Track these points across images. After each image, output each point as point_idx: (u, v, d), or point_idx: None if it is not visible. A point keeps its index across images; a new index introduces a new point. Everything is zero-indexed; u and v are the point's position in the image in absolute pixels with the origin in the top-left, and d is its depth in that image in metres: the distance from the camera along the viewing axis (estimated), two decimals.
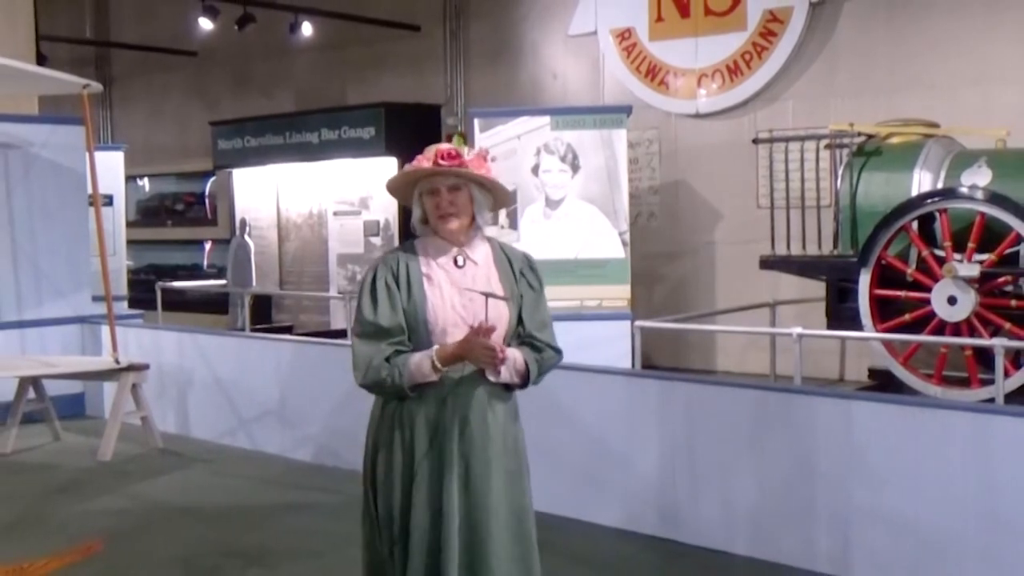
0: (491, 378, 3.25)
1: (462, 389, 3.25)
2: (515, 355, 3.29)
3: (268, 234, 14.09)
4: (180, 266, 16.01)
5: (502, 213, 9.25)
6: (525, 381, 3.33)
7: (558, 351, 3.41)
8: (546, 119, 9.58)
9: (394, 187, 3.41)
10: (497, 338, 3.20)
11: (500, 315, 3.26)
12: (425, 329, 3.25)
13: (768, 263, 8.74)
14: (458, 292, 3.28)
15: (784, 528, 5.32)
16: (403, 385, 3.20)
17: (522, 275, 3.40)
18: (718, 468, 5.59)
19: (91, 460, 7.84)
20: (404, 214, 12.17)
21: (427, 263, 3.32)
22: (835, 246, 8.39)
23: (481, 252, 3.38)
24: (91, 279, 9.44)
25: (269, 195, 14.14)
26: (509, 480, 3.30)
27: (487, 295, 3.21)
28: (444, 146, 3.30)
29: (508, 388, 3.35)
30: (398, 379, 3.19)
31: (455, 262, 3.32)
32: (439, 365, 3.19)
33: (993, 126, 8.20)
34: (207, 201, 15.90)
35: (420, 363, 3.20)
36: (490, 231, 9.38)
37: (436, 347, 3.21)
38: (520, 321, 3.36)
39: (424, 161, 3.28)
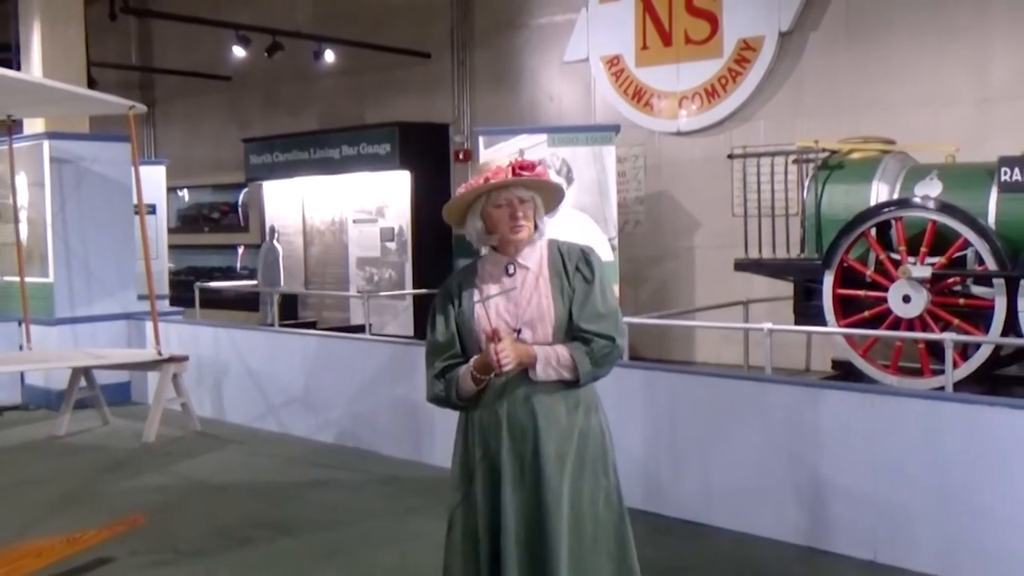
0: (532, 378, 2.99)
1: (508, 391, 3.00)
2: (557, 350, 3.00)
3: (295, 239, 14.10)
4: (216, 268, 16.00)
5: None
6: (577, 375, 3.00)
7: (610, 338, 3.02)
8: (543, 136, 9.59)
9: (463, 203, 3.10)
10: (543, 335, 3.01)
11: (543, 314, 3.03)
12: (473, 338, 3.04)
13: (742, 265, 8.73)
14: (505, 298, 3.05)
15: (757, 503, 5.31)
16: (453, 398, 3.04)
17: (576, 270, 3.10)
18: (697, 449, 5.58)
19: (136, 442, 7.84)
20: (416, 221, 12.33)
21: (481, 277, 3.12)
22: (802, 250, 8.38)
23: (535, 257, 3.12)
24: (136, 280, 9.43)
25: (295, 205, 14.14)
26: (573, 474, 3.00)
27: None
28: (517, 159, 3.11)
29: (567, 384, 3.02)
30: (449, 393, 3.04)
31: (506, 270, 3.10)
32: (476, 374, 2.98)
33: (943, 143, 8.20)
34: (240, 210, 15.89)
35: (464, 375, 3.01)
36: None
37: (475, 357, 3.01)
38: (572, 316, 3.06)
39: (504, 174, 3.05)
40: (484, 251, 3.22)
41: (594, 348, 3.01)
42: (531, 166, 3.07)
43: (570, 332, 3.04)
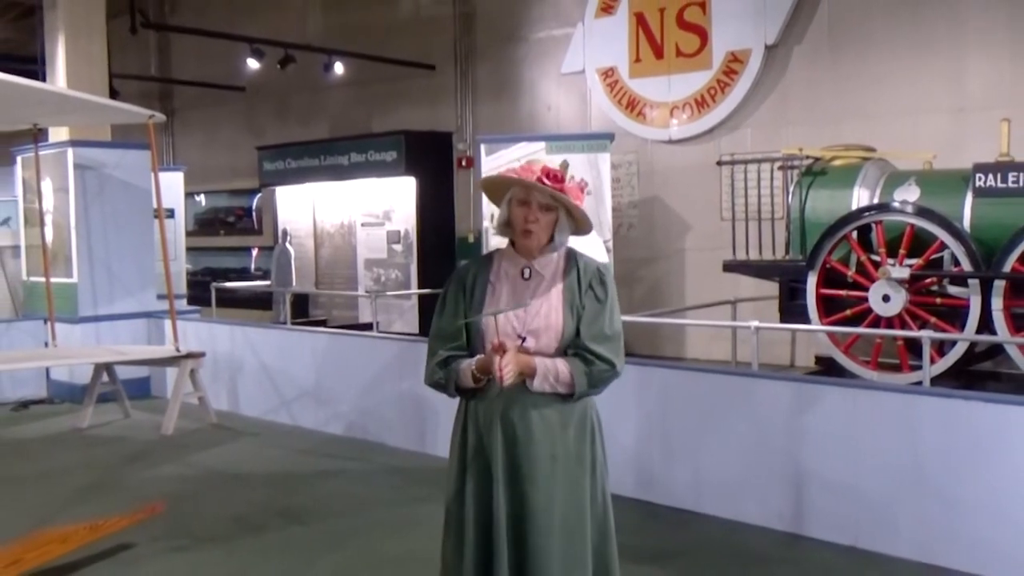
0: (528, 387, 2.89)
1: (507, 394, 2.88)
2: (557, 366, 2.89)
3: (306, 242, 14.11)
4: (231, 269, 16.01)
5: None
6: (573, 391, 2.91)
7: (612, 364, 2.93)
8: (541, 144, 9.58)
9: (491, 184, 3.03)
10: (547, 345, 2.90)
11: (549, 325, 2.92)
12: (480, 336, 2.94)
13: (730, 266, 8.73)
14: (516, 303, 2.93)
15: (744, 491, 5.31)
16: (452, 390, 2.96)
17: (590, 287, 2.97)
18: (687, 441, 5.59)
19: (155, 434, 7.84)
20: (421, 225, 12.34)
21: (496, 273, 3.01)
22: (787, 252, 8.38)
23: (551, 266, 3.00)
24: (156, 280, 9.44)
25: (306, 209, 14.15)
26: (566, 482, 2.92)
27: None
28: (552, 167, 2.96)
29: (563, 397, 2.92)
30: (448, 384, 2.95)
31: (522, 274, 2.98)
32: (476, 374, 2.90)
33: (921, 151, 8.20)
34: (254, 214, 15.91)
35: (465, 371, 2.91)
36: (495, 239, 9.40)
37: (478, 357, 2.91)
38: (578, 332, 2.93)
39: (529, 174, 2.93)
40: (502, 243, 3.12)
41: (593, 370, 2.91)
42: (558, 177, 2.92)
43: (572, 345, 2.94)
